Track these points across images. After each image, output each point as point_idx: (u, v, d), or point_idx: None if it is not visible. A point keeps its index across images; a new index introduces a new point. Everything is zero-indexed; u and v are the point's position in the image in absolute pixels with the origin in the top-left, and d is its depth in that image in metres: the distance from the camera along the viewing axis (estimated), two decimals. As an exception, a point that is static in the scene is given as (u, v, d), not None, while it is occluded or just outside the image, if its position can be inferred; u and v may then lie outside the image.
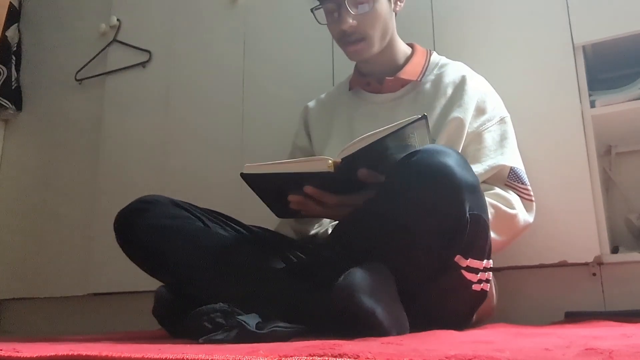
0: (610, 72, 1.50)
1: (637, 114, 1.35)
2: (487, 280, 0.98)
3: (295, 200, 1.00)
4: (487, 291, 0.99)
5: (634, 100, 1.34)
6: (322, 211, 1.02)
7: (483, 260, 0.95)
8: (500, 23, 1.51)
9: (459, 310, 0.99)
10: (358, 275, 0.81)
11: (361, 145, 0.91)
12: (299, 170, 0.96)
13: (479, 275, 0.94)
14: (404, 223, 0.86)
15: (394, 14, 1.27)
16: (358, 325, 0.78)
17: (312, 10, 1.25)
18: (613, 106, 1.35)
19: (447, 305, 0.96)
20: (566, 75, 1.40)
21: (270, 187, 1.03)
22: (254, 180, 1.01)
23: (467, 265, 0.92)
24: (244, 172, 0.99)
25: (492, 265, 0.98)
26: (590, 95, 1.38)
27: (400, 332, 0.83)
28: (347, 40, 1.23)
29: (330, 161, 0.92)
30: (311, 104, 1.44)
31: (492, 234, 1.05)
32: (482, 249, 0.94)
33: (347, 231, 1.04)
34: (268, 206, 1.09)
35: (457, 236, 0.87)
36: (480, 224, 0.90)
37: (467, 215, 0.86)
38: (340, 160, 0.92)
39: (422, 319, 0.89)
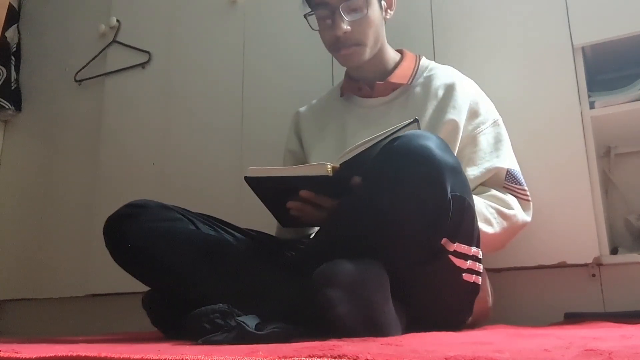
0: (610, 73, 1.50)
1: (637, 115, 1.35)
2: (478, 273, 0.98)
3: (293, 206, 1.02)
4: (478, 284, 0.98)
5: (633, 101, 1.34)
6: (321, 216, 1.02)
7: (472, 247, 0.95)
8: (499, 24, 1.51)
9: (452, 302, 0.99)
10: (339, 268, 0.81)
11: (358, 150, 0.94)
12: (299, 173, 0.98)
13: (468, 262, 0.95)
14: (387, 207, 0.87)
15: (384, 21, 1.28)
16: (320, 316, 0.79)
17: (305, 16, 1.26)
18: (612, 107, 1.36)
19: (439, 296, 0.96)
20: (565, 76, 1.40)
21: (272, 192, 1.04)
22: (256, 184, 1.02)
23: (455, 250, 0.92)
24: (248, 175, 1.00)
25: (481, 256, 0.98)
26: (589, 96, 1.39)
27: (384, 334, 0.81)
28: (340, 45, 1.23)
29: (329, 166, 0.95)
30: (302, 109, 1.46)
31: (490, 230, 1.10)
32: (469, 234, 0.95)
33: (332, 221, 1.04)
34: (273, 214, 1.11)
35: (440, 217, 0.88)
36: (464, 206, 0.91)
37: (449, 196, 0.87)
38: (338, 165, 0.95)
39: (416, 311, 0.89)
